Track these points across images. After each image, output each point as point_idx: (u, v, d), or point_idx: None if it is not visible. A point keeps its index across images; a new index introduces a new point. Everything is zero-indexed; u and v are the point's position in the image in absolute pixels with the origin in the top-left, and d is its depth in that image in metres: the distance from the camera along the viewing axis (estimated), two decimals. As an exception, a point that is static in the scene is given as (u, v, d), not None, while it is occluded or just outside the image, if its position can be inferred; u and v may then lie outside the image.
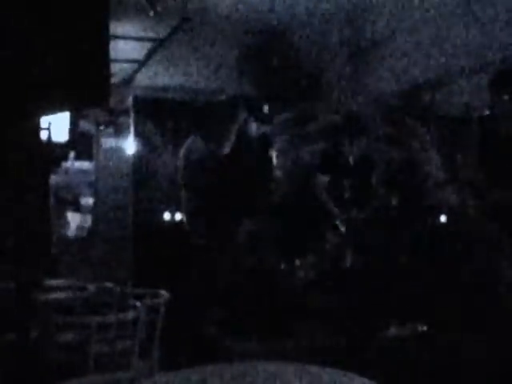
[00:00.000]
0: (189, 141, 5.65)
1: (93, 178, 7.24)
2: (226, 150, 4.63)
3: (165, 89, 7.05)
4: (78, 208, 7.54)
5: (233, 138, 4.63)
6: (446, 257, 5.14)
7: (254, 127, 4.70)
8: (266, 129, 4.77)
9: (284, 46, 6.95)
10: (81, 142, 6.94)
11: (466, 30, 5.39)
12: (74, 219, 7.42)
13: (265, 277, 4.73)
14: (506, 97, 3.89)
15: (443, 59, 5.70)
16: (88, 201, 7.45)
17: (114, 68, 6.27)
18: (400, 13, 5.97)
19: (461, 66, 5.46)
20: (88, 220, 7.29)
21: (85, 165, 7.58)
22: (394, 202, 5.10)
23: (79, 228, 7.32)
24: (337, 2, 5.87)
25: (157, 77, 7.07)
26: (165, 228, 6.15)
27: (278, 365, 2.24)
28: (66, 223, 7.39)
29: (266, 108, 4.70)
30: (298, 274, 5.71)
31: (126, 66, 6.76)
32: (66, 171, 7.32)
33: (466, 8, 5.37)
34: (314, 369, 2.17)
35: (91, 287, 3.54)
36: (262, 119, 4.71)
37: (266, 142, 4.79)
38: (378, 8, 6.02)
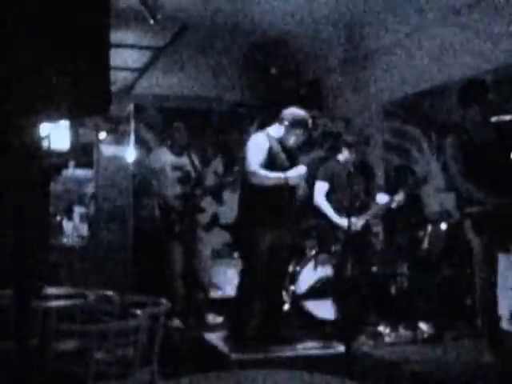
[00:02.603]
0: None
1: (91, 185, 7.24)
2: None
3: (165, 97, 7.07)
4: (75, 216, 7.55)
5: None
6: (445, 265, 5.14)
7: (294, 138, 4.66)
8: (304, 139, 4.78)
9: (283, 54, 6.97)
10: (81, 150, 6.95)
11: (464, 39, 5.42)
12: (71, 227, 7.41)
13: (266, 285, 4.72)
14: (470, 110, 3.90)
15: (443, 67, 5.72)
16: (86, 209, 7.46)
17: (115, 76, 6.30)
18: (400, 21, 6.00)
19: (460, 74, 5.48)
20: (85, 228, 7.29)
21: (85, 173, 7.59)
22: (394, 208, 5.10)
23: (77, 236, 7.31)
24: (337, 11, 5.90)
25: (157, 85, 7.10)
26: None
27: (277, 373, 2.23)
28: (63, 231, 7.39)
29: (310, 122, 4.70)
30: (298, 280, 5.70)
31: (126, 73, 6.79)
32: (65, 179, 7.32)
33: (465, 17, 5.40)
34: (313, 376, 2.17)
35: (91, 295, 3.53)
36: (308, 131, 4.72)
37: (295, 154, 4.80)
38: (378, 17, 6.05)
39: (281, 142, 4.63)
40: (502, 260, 4.05)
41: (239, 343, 4.47)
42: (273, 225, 4.51)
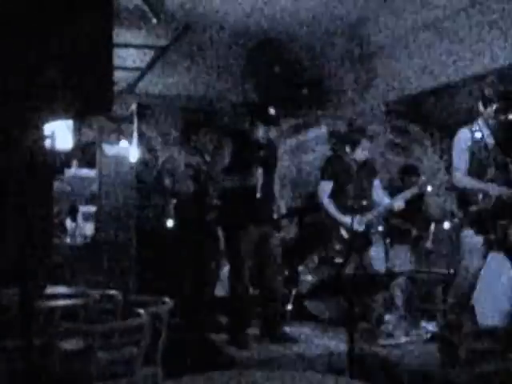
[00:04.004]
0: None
1: (94, 185, 7.25)
2: (225, 161, 4.58)
3: (168, 96, 7.07)
4: (78, 215, 7.56)
5: (229, 146, 4.59)
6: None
7: (261, 132, 4.64)
8: (273, 133, 4.74)
9: (287, 53, 6.96)
10: (84, 150, 6.96)
11: (466, 37, 5.40)
12: (74, 227, 7.42)
13: (267, 283, 4.71)
14: (494, 107, 3.88)
15: (446, 66, 5.71)
16: (89, 208, 7.46)
17: (118, 75, 6.29)
18: (402, 20, 5.99)
19: (463, 73, 5.47)
20: (88, 227, 7.30)
21: (88, 172, 7.60)
22: (397, 208, 5.09)
23: (80, 235, 7.32)
24: (339, 10, 5.89)
25: (160, 84, 7.10)
26: (168, 235, 6.14)
27: (278, 373, 2.23)
28: (67, 230, 7.40)
29: (272, 111, 4.64)
30: (300, 280, 5.70)
31: (129, 73, 6.79)
32: (68, 178, 7.33)
33: (466, 16, 5.39)
34: (314, 376, 2.17)
35: (95, 294, 3.54)
36: (270, 122, 4.66)
37: (273, 147, 4.77)
38: (381, 15, 6.04)
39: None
40: (494, 258, 4.06)
41: (239, 343, 4.47)
42: (252, 223, 4.53)
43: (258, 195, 4.41)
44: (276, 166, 4.82)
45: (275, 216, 4.81)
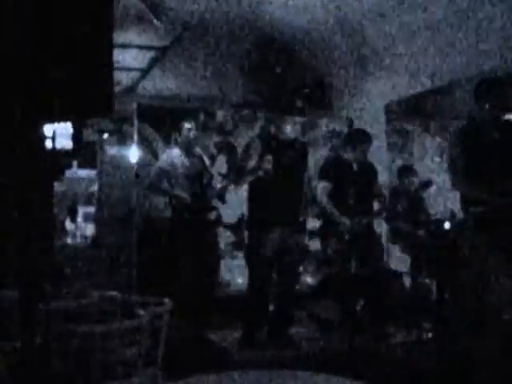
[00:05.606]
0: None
1: (94, 185, 7.25)
2: (253, 161, 4.58)
3: (168, 97, 7.07)
4: (79, 216, 7.56)
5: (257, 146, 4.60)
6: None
7: (289, 127, 4.60)
8: (299, 127, 4.70)
9: (287, 54, 6.97)
10: (84, 151, 6.95)
11: (466, 37, 5.41)
12: (74, 227, 7.43)
13: (267, 284, 4.72)
14: (487, 105, 3.87)
15: (445, 67, 5.72)
16: (88, 209, 7.47)
17: (118, 76, 6.30)
18: (402, 21, 6.00)
19: (463, 73, 5.48)
20: (88, 228, 7.30)
21: (88, 173, 7.60)
22: (398, 208, 5.09)
23: (80, 236, 7.33)
24: (340, 11, 5.90)
25: (160, 85, 7.10)
26: (168, 235, 6.14)
27: (279, 373, 2.23)
28: (67, 231, 7.41)
29: (299, 102, 4.64)
30: (301, 280, 5.71)
31: (129, 74, 6.79)
32: (68, 179, 7.33)
33: (466, 16, 5.39)
34: (316, 376, 2.17)
35: (95, 295, 3.53)
36: (299, 113, 4.66)
37: (303, 146, 4.77)
38: (381, 17, 6.05)
39: None
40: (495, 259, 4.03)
41: (249, 344, 4.48)
42: (276, 225, 4.53)
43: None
44: (305, 166, 4.85)
45: (301, 218, 4.82)
